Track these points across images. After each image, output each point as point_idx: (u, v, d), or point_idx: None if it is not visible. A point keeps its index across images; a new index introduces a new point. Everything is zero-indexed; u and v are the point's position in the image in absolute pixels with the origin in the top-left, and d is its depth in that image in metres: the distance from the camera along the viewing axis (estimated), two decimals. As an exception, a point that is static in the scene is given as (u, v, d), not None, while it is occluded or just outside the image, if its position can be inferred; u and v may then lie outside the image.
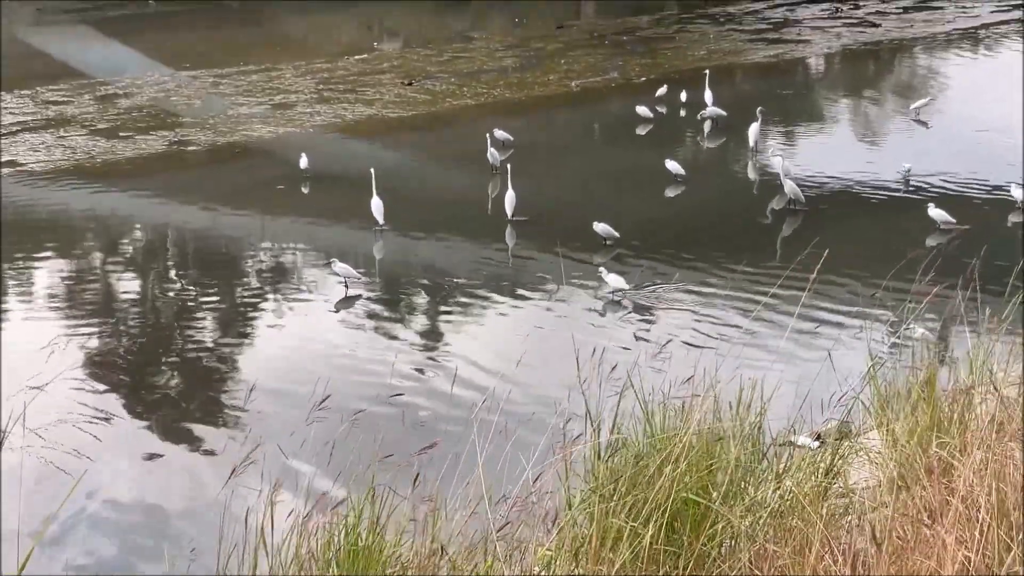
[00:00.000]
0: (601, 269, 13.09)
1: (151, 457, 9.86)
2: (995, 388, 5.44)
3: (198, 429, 10.34)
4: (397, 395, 5.86)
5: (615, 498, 4.62)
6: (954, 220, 14.87)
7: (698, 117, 21.44)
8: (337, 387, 10.10)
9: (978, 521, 4.34)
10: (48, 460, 8.92)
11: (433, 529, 4.75)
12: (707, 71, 23.12)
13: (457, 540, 4.76)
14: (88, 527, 8.74)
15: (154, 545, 8.40)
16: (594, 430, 4.97)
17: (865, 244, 14.49)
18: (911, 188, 17.16)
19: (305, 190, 18.14)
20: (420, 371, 11.31)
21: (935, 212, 14.99)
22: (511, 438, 5.21)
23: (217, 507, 5.10)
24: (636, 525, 4.52)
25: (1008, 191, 16.09)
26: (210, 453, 9.76)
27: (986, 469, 4.62)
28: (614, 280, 12.86)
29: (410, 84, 25.62)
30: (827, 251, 5.78)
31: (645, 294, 13.21)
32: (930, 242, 14.56)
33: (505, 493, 4.99)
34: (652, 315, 12.70)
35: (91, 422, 10.49)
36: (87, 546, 8.49)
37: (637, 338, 11.77)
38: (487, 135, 18.58)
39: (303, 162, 18.20)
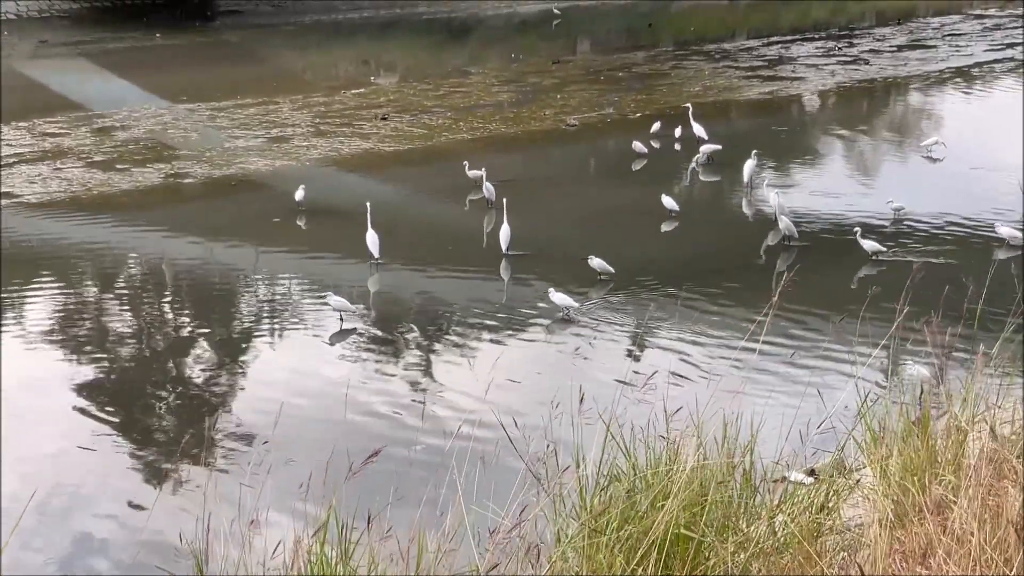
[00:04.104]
0: (549, 290, 13.52)
1: (139, 490, 9.80)
2: (988, 425, 5.42)
3: (184, 463, 10.26)
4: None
5: (608, 533, 4.59)
6: (885, 249, 15.36)
7: (694, 161, 21.46)
8: (332, 422, 10.10)
9: (973, 559, 4.31)
10: (40, 493, 8.86)
11: (419, 564, 4.71)
12: (688, 105, 23.35)
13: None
14: (69, 559, 8.68)
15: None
16: (582, 463, 4.94)
17: (856, 280, 14.53)
18: (901, 224, 17.23)
19: (301, 223, 18.15)
20: (416, 402, 11.29)
21: (867, 243, 15.40)
22: (496, 470, 5.18)
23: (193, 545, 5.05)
24: (630, 564, 4.48)
25: (994, 228, 16.16)
26: (195, 488, 9.68)
27: (981, 506, 4.60)
28: (560, 299, 13.39)
29: (384, 119, 25.59)
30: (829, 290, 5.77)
31: (591, 308, 13.76)
32: (863, 273, 14.97)
33: (491, 525, 4.94)
34: (642, 349, 12.69)
35: (81, 455, 10.45)
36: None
37: (634, 372, 11.73)
38: (476, 169, 18.75)
39: (299, 195, 18.22)
